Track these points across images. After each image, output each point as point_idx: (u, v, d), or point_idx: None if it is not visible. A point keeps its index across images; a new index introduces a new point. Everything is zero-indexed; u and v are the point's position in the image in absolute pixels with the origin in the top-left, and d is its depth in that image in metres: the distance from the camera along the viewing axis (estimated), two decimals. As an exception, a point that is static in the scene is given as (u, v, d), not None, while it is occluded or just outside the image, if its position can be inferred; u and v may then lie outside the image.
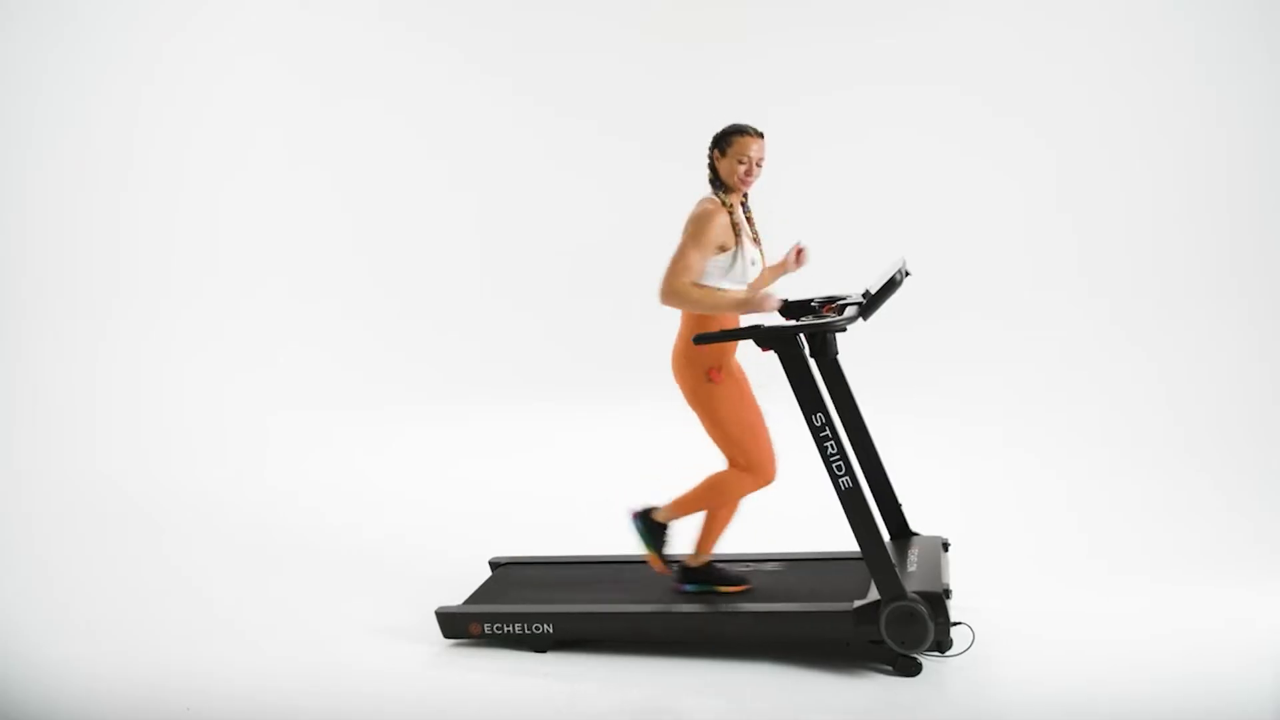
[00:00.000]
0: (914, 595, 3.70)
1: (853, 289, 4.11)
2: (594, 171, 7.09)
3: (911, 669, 3.72)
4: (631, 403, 6.13)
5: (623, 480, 5.15)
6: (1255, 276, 6.29)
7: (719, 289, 3.85)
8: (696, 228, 3.83)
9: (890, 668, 3.74)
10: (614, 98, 7.12)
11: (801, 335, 3.76)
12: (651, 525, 4.14)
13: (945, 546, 4.27)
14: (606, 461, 6.02)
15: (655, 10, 7.09)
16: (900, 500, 4.29)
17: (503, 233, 7.18)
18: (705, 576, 4.16)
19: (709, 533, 4.13)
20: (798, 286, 4.21)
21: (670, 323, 4.02)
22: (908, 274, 3.91)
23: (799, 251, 4.12)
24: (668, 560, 4.16)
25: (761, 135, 3.91)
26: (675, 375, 3.98)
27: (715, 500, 4.05)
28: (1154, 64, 6.56)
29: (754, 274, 3.97)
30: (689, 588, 4.16)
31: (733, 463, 3.99)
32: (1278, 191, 6.34)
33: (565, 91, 7.17)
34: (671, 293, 3.79)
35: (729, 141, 3.90)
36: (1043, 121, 6.71)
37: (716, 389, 3.91)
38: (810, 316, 4.03)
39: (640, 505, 4.18)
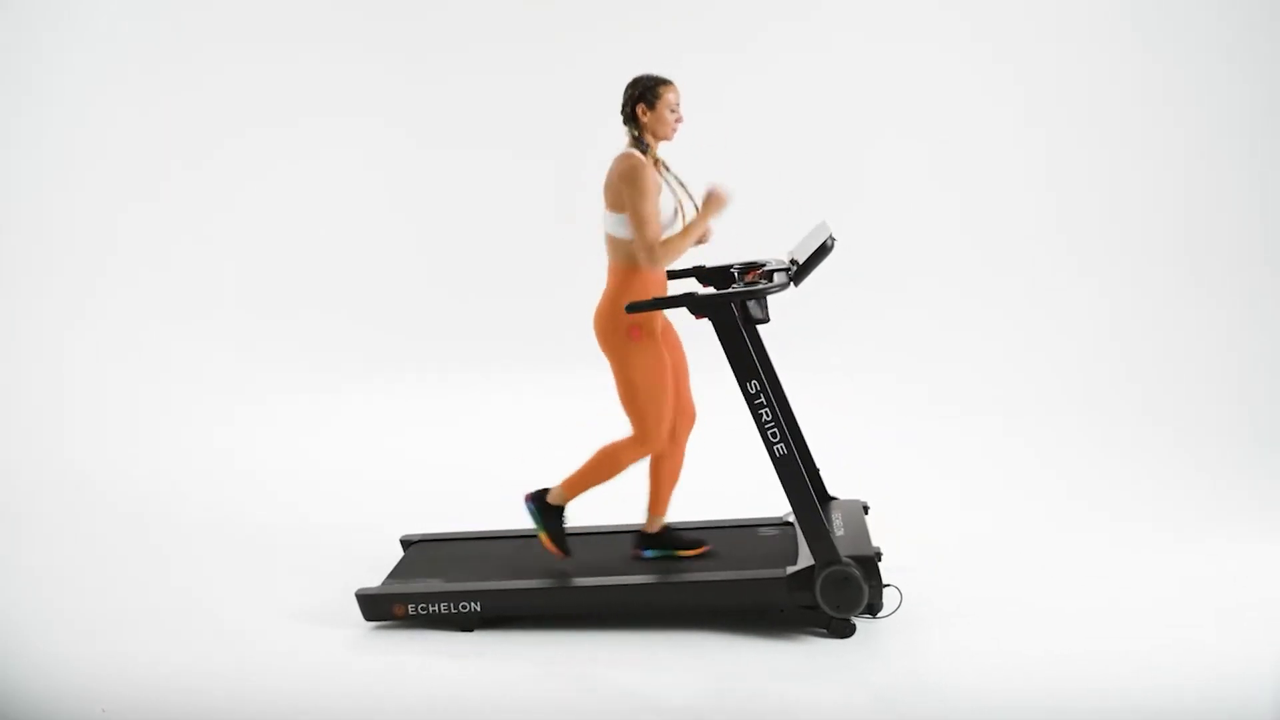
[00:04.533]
0: (848, 559, 3.73)
1: (767, 253, 4.12)
2: (505, 137, 6.85)
3: (845, 632, 3.75)
4: (537, 377, 6.07)
5: (533, 454, 5.07)
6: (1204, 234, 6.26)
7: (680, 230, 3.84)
8: (634, 183, 3.78)
9: (824, 631, 3.77)
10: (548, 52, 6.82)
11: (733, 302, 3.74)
12: (545, 508, 4.08)
13: (865, 509, 4.31)
14: (514, 435, 5.89)
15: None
16: (817, 465, 4.31)
17: (414, 206, 6.88)
18: (663, 541, 4.13)
19: (656, 495, 4.10)
20: (715, 253, 4.18)
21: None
22: (834, 239, 3.92)
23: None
24: (563, 543, 4.10)
25: None
26: (596, 330, 3.92)
27: (607, 472, 4.00)
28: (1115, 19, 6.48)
29: (679, 222, 3.92)
30: (648, 554, 4.13)
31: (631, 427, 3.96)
32: (1234, 136, 6.30)
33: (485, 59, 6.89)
34: (655, 251, 3.77)
35: (656, 94, 3.87)
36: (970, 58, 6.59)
37: (635, 347, 3.87)
38: (739, 284, 4.01)
39: (535, 488, 4.12)
